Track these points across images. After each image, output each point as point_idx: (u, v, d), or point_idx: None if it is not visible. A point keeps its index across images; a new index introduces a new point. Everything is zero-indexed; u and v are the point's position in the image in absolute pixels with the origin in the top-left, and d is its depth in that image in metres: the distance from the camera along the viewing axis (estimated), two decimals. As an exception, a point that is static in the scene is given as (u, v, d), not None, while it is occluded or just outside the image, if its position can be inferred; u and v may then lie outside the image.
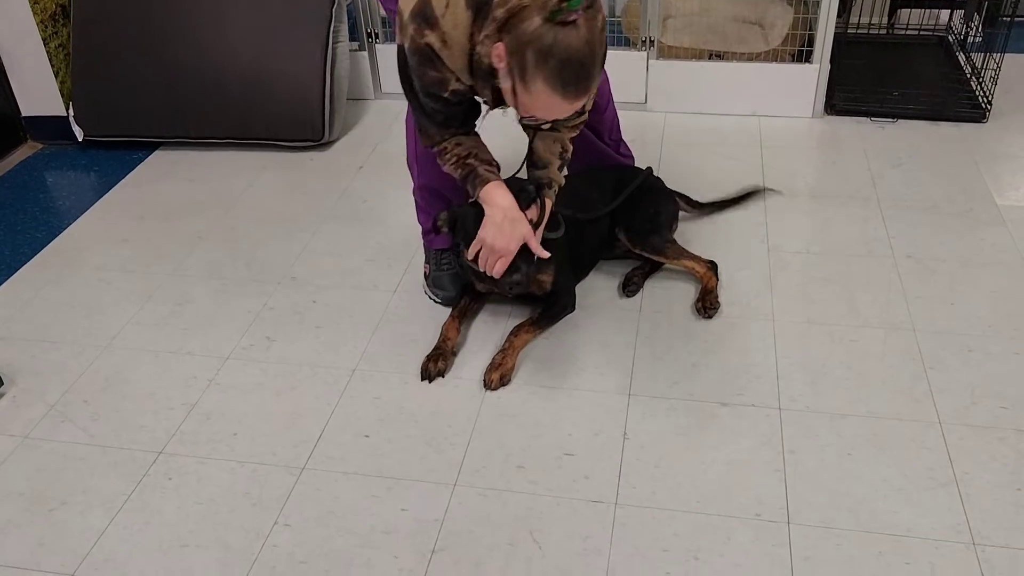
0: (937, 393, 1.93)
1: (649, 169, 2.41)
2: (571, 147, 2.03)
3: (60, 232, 2.69)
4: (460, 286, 2.23)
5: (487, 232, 1.87)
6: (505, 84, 1.65)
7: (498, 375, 2.01)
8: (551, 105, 1.63)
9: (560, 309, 2.18)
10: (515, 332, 2.09)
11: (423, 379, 2.04)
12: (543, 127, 1.95)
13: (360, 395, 2.01)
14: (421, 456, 1.84)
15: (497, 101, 1.81)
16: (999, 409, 1.88)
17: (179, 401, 2.02)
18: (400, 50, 1.77)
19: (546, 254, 1.94)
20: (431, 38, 1.67)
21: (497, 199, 1.86)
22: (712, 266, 2.27)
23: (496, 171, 1.92)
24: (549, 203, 1.97)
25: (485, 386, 2.01)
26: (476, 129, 1.96)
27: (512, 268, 1.92)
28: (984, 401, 1.90)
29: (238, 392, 2.04)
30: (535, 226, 1.93)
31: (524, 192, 1.92)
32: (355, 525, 1.69)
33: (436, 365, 2.05)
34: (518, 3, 1.55)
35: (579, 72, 1.58)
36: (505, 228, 1.86)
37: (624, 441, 1.85)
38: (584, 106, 1.91)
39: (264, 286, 2.39)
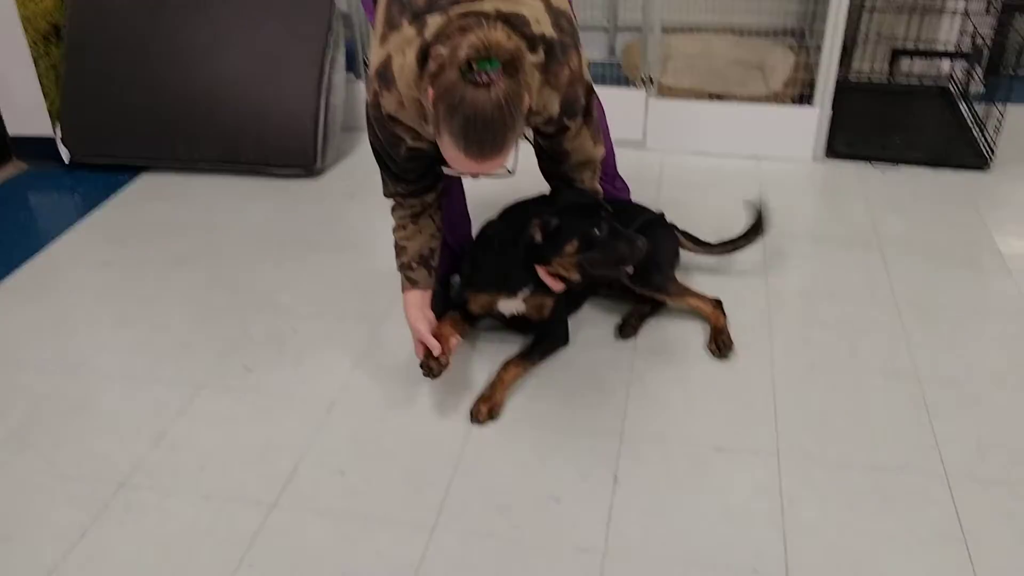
0: (943, 445, 1.84)
1: (662, 214, 2.35)
2: (600, 189, 2.06)
3: (38, 252, 2.61)
4: (441, 312, 2.15)
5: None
6: (431, 130, 1.63)
7: (487, 408, 1.92)
8: (456, 159, 1.60)
9: (553, 342, 2.10)
10: (505, 366, 2.00)
11: (424, 373, 1.91)
12: (569, 184, 1.99)
13: (338, 428, 1.91)
14: (399, 495, 1.74)
15: None
16: (1009, 463, 1.79)
17: (147, 430, 1.92)
18: (367, 101, 1.78)
19: (561, 286, 1.97)
20: (387, 100, 1.68)
21: (407, 307, 1.98)
22: (718, 304, 2.19)
23: (423, 271, 1.97)
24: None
25: (472, 419, 1.92)
26: (431, 196, 1.95)
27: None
28: (992, 454, 1.81)
29: (209, 422, 1.94)
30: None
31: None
32: (325, 569, 1.59)
33: (439, 362, 1.91)
34: (445, 56, 1.52)
35: (483, 134, 1.53)
36: (410, 325, 1.97)
37: (615, 485, 1.75)
38: (585, 157, 1.92)
39: (244, 313, 2.30)
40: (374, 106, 1.73)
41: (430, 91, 1.56)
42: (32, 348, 2.19)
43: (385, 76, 1.65)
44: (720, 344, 2.11)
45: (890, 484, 1.74)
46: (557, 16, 1.66)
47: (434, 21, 1.58)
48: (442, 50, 1.53)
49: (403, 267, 1.99)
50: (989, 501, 1.70)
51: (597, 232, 1.91)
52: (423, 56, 1.59)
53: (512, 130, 1.56)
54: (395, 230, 1.99)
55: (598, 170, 2.01)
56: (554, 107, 1.72)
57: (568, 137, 1.85)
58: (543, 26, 1.63)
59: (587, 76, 1.78)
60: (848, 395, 1.98)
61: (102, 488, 1.76)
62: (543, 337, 2.09)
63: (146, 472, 1.80)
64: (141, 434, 1.91)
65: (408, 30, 1.60)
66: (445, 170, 1.73)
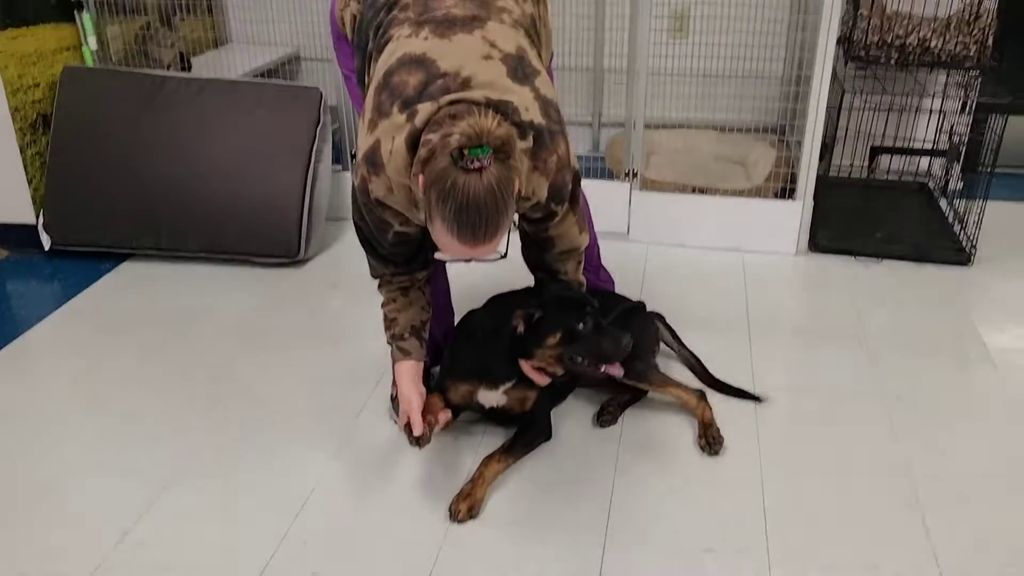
0: (939, 546, 1.78)
1: (641, 303, 2.34)
2: (584, 280, 2.05)
3: (12, 340, 2.56)
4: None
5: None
6: (421, 216, 1.63)
7: (466, 506, 1.85)
8: (450, 245, 1.59)
9: (535, 436, 2.05)
10: (486, 462, 1.94)
11: (413, 444, 1.88)
12: (550, 274, 1.99)
13: (311, 526, 1.84)
14: (373, 597, 1.66)
15: None
16: (1007, 563, 1.73)
17: (110, 526, 1.83)
18: (353, 185, 1.78)
19: (545, 380, 1.95)
20: (375, 184, 1.68)
21: (400, 377, 1.95)
22: (702, 396, 2.16)
23: (415, 341, 1.96)
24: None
25: (451, 517, 1.85)
26: (422, 274, 1.95)
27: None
28: (990, 556, 1.75)
29: (177, 519, 1.86)
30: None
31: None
32: (292, 676, 1.50)
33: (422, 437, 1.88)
34: (436, 143, 1.53)
35: (476, 219, 1.53)
36: (401, 395, 1.94)
37: (598, 587, 1.68)
38: (571, 245, 1.92)
39: (220, 405, 2.25)
40: (362, 191, 1.73)
41: (420, 178, 1.55)
42: (-2, 439, 2.12)
43: (374, 161, 1.65)
44: (710, 439, 2.06)
45: (885, 587, 1.68)
46: (546, 105, 1.67)
47: (424, 109, 1.59)
48: (432, 137, 1.54)
49: (394, 338, 1.96)
50: (988, 605, 1.64)
51: (581, 327, 1.89)
52: (413, 143, 1.59)
53: (505, 215, 1.55)
54: (383, 304, 1.98)
55: (582, 260, 2.01)
56: (542, 192, 1.72)
57: (554, 223, 1.85)
58: (532, 113, 1.64)
59: (574, 163, 1.79)
60: (838, 493, 1.93)
61: (60, 589, 1.68)
62: (525, 431, 2.04)
63: (108, 572, 1.72)
64: (104, 531, 1.82)
65: (398, 117, 1.61)
66: (437, 256, 1.72)
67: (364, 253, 1.94)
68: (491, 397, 2.02)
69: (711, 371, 2.31)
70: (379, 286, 1.97)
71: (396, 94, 1.62)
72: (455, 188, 1.50)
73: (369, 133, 1.66)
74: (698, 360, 2.35)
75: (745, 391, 2.26)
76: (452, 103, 1.58)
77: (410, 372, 1.95)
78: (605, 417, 2.15)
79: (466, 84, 1.60)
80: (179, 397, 2.28)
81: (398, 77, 1.63)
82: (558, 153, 1.69)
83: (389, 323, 1.97)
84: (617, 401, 2.19)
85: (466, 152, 1.48)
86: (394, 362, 1.98)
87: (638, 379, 2.15)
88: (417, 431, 1.86)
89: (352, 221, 1.88)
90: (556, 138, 1.69)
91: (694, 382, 2.27)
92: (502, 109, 1.60)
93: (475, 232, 1.54)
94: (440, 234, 1.57)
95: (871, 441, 2.10)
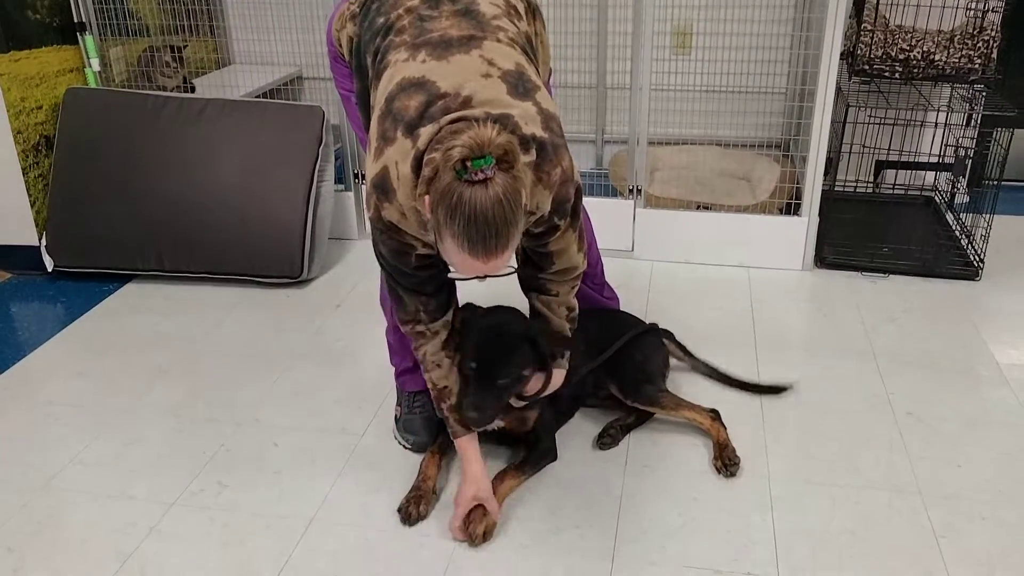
0: (952, 565, 1.75)
1: (654, 325, 2.32)
2: (576, 304, 1.98)
3: (14, 364, 2.55)
4: (433, 431, 2.08)
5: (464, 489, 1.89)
6: (432, 238, 1.60)
7: (483, 528, 1.82)
8: (462, 262, 1.56)
9: (542, 454, 2.03)
10: (499, 477, 1.93)
11: (403, 523, 1.87)
12: (543, 294, 1.93)
13: (316, 549, 1.81)
14: (378, 623, 1.63)
15: None
16: (1021, 585, 1.70)
17: (113, 551, 1.81)
18: (368, 218, 1.75)
19: (520, 403, 1.95)
20: (388, 211, 1.65)
21: (469, 463, 1.90)
22: (716, 415, 2.13)
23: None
24: (558, 376, 1.95)
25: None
26: (451, 306, 1.89)
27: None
28: (1004, 574, 1.72)
29: (180, 543, 1.84)
30: (538, 393, 1.93)
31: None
32: None
33: (418, 509, 1.88)
34: (438, 160, 1.51)
35: (485, 232, 1.50)
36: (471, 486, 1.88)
37: (607, 611, 1.65)
38: (569, 263, 1.88)
39: (223, 426, 2.23)
40: (376, 219, 1.69)
41: (427, 199, 1.54)
42: (0, 462, 2.10)
43: (384, 187, 1.63)
44: (726, 460, 2.03)
45: (899, 609, 1.65)
46: (547, 119, 1.66)
47: (426, 131, 1.58)
48: (435, 155, 1.52)
49: (452, 410, 1.90)
50: (1004, 628, 1.61)
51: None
52: (417, 164, 1.58)
53: (515, 225, 1.53)
54: (426, 368, 1.88)
55: (577, 284, 1.97)
56: (546, 206, 1.71)
57: (555, 239, 1.82)
58: (533, 127, 1.63)
59: (577, 177, 1.78)
60: (849, 512, 1.90)
61: (60, 616, 1.65)
62: (533, 448, 2.01)
63: (109, 598, 1.70)
64: (107, 555, 1.80)
65: (404, 142, 1.60)
66: (451, 275, 1.68)
67: (390, 295, 1.87)
68: (495, 422, 2.00)
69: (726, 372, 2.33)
70: (418, 346, 1.87)
71: (399, 119, 1.61)
72: (461, 202, 1.47)
73: (375, 161, 1.64)
74: (713, 367, 2.33)
75: (770, 385, 2.28)
76: (452, 121, 1.57)
77: (477, 451, 1.91)
78: (605, 440, 2.12)
79: (467, 103, 1.59)
80: (181, 420, 2.26)
81: (399, 102, 1.62)
82: (561, 166, 1.68)
83: (442, 394, 1.89)
84: (620, 423, 2.16)
85: (469, 164, 1.46)
86: (455, 437, 1.92)
87: (649, 403, 2.13)
88: (460, 536, 1.84)
89: (376, 257, 1.82)
90: (559, 151, 1.67)
91: (705, 395, 2.24)
92: (503, 122, 1.58)
93: (486, 245, 1.51)
94: (451, 252, 1.54)
95: (882, 459, 2.07)
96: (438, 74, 1.61)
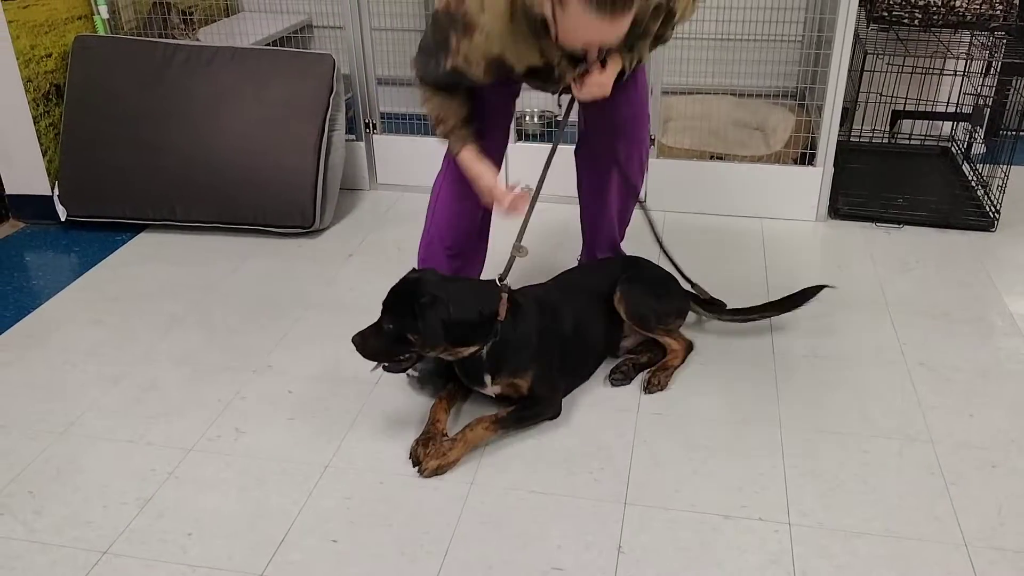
0: (961, 512, 1.76)
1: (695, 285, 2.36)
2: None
3: (30, 312, 2.57)
4: (440, 365, 2.10)
5: None
6: (548, 13, 1.69)
7: (435, 464, 1.86)
8: (586, 26, 1.65)
9: (534, 414, 2.01)
10: (472, 425, 1.93)
11: (413, 465, 1.89)
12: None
13: (331, 494, 1.84)
14: (393, 566, 1.66)
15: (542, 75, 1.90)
16: (1030, 532, 1.72)
17: (133, 495, 1.84)
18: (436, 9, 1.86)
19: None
20: (469, 3, 1.76)
21: (469, 163, 2.02)
22: (689, 347, 2.19)
23: (468, 131, 2.00)
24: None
25: (415, 466, 1.88)
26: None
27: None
28: (1013, 522, 1.74)
29: (198, 487, 1.87)
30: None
31: None
32: (314, 642, 1.50)
33: (426, 449, 1.90)
34: None
35: None
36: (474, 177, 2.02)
37: (619, 555, 1.67)
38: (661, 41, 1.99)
39: (238, 374, 2.25)
40: (446, 12, 1.80)
41: None
42: (19, 409, 2.13)
43: None
44: (655, 380, 2.11)
45: (908, 553, 1.67)
46: None
47: None
48: None
49: (450, 132, 2.01)
50: (1012, 572, 1.62)
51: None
52: None
53: None
54: (425, 102, 1.99)
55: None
56: None
57: (676, 20, 1.94)
58: None
59: None
60: (860, 460, 1.91)
61: (83, 557, 1.69)
62: (525, 407, 2.00)
63: (130, 540, 1.73)
64: (126, 499, 1.83)
65: None
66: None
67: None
68: (489, 390, 2.02)
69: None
70: (421, 87, 1.99)
71: None
72: None
73: None
74: (737, 310, 2.38)
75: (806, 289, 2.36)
76: None
77: (475, 155, 2.01)
78: (616, 375, 2.14)
79: None
80: (197, 367, 2.28)
81: None
82: None
83: (437, 120, 2.00)
84: (632, 362, 2.18)
85: None
86: (454, 154, 2.03)
87: (638, 320, 2.16)
88: (505, 203, 1.96)
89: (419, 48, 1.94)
90: None
91: (716, 355, 2.25)
92: None
93: (614, 2, 1.60)
94: (574, 17, 1.63)
95: (894, 408, 2.08)
96: None
